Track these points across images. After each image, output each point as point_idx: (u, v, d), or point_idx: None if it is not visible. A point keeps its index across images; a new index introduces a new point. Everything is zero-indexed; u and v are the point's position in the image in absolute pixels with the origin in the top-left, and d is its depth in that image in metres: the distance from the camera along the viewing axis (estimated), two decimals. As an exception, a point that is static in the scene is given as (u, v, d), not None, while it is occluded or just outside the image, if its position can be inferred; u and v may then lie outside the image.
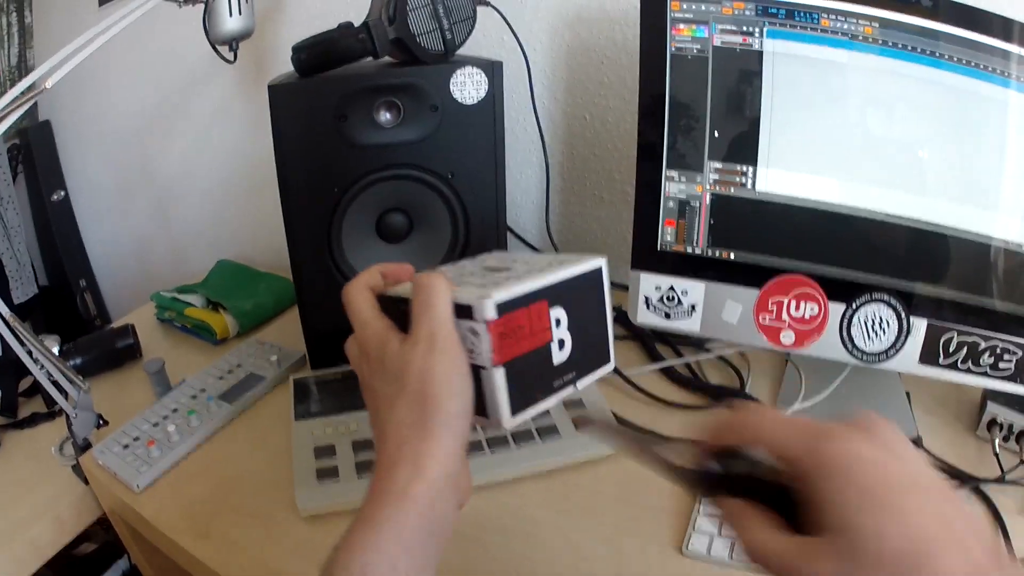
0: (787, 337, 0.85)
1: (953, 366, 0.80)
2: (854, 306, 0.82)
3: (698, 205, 0.85)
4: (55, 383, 0.91)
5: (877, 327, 0.82)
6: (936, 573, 0.33)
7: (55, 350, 1.08)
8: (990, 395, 0.87)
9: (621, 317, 0.96)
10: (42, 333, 1.06)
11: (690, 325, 0.87)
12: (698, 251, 0.86)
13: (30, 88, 0.75)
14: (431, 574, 0.44)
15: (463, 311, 0.46)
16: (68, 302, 1.52)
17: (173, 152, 1.46)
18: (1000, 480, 0.81)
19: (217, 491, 0.86)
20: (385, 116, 0.88)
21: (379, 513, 0.42)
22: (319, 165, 0.88)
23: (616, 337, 0.51)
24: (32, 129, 1.49)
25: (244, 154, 1.26)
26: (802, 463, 0.37)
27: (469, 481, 0.48)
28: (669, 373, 0.99)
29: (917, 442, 0.87)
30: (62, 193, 1.51)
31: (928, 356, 0.81)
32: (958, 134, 0.74)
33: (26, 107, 0.75)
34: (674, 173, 0.85)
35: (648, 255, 0.87)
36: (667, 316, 0.89)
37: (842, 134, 0.78)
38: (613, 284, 0.55)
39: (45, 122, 1.51)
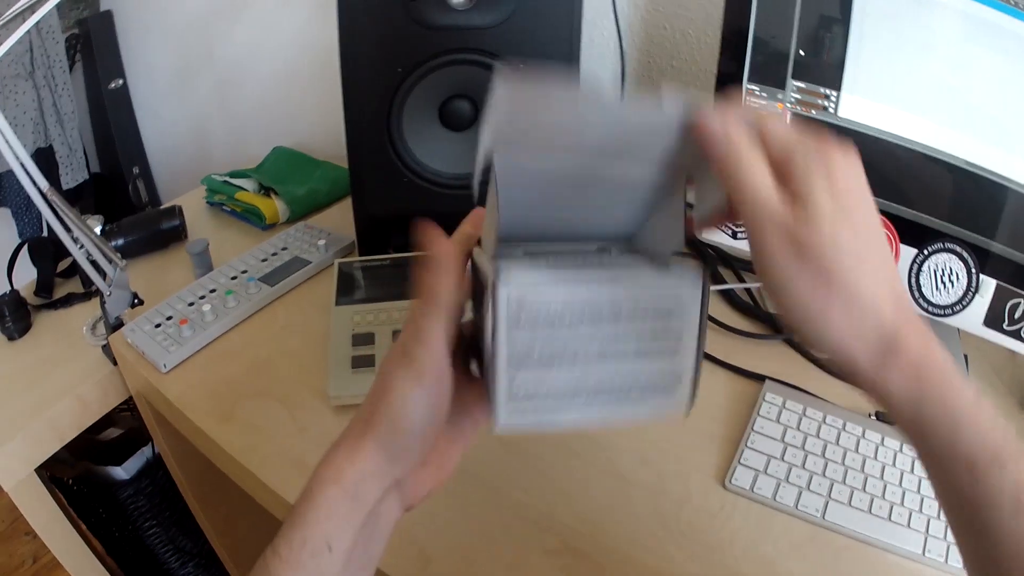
0: None
1: (1016, 334, 0.75)
2: (926, 252, 0.77)
3: None
4: (93, 262, 0.88)
5: (947, 278, 0.77)
6: (860, 284, 0.36)
7: (97, 229, 1.07)
8: (1048, 372, 0.81)
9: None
10: (100, 216, 1.05)
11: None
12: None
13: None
14: (368, 561, 0.44)
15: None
16: (120, 189, 1.51)
17: (238, 37, 1.43)
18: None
19: (247, 375, 0.83)
20: (459, -4, 0.83)
21: (318, 491, 0.42)
22: (384, 42, 0.83)
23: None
24: (92, 18, 1.47)
25: (310, 39, 1.23)
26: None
27: (418, 490, 0.47)
28: (729, 297, 0.93)
29: None
30: (120, 81, 1.49)
31: (993, 319, 0.76)
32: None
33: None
34: (755, 87, 0.81)
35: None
36: (734, 235, 0.85)
37: (932, 74, 0.72)
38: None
39: (107, 12, 1.49)
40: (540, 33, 0.84)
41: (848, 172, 0.39)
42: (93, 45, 1.47)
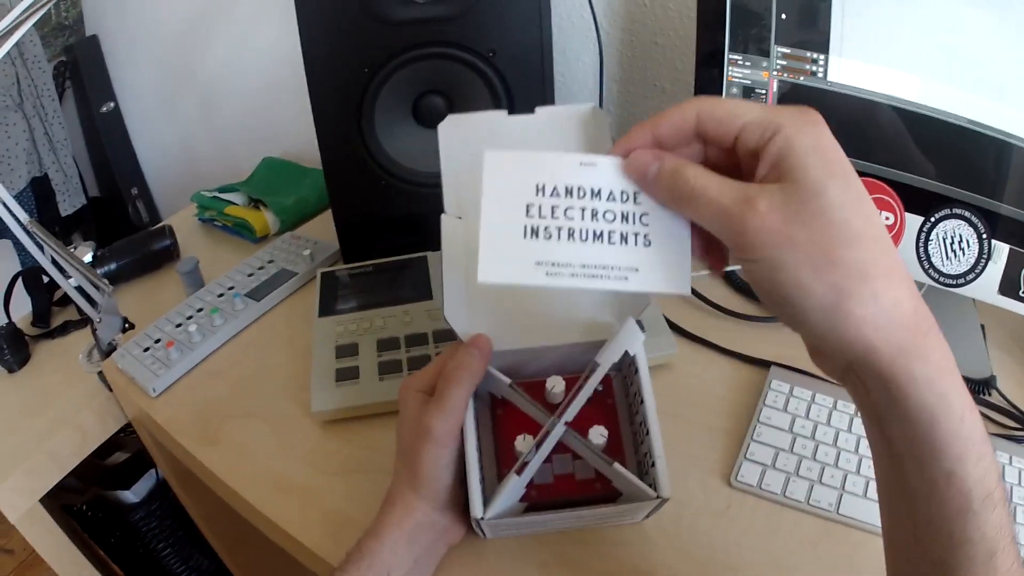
0: None
1: None
2: (933, 219, 0.73)
3: (765, 93, 0.77)
4: (82, 290, 0.87)
5: (957, 246, 0.73)
6: (877, 276, 0.35)
7: (88, 256, 1.06)
8: (1070, 341, 0.76)
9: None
10: (94, 242, 1.04)
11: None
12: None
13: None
14: None
15: None
16: (120, 211, 1.51)
17: (216, 53, 1.42)
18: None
19: (233, 394, 0.81)
20: (418, -13, 0.80)
21: (385, 533, 0.55)
22: (347, 44, 0.80)
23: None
24: (79, 44, 1.47)
25: (286, 49, 1.20)
26: (777, 120, 0.37)
27: (460, 530, 0.60)
28: (730, 279, 0.89)
29: (990, 382, 0.77)
30: (111, 104, 1.49)
31: (1008, 286, 0.71)
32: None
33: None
34: (738, 56, 0.77)
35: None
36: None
37: (924, 29, 0.67)
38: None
39: (92, 37, 1.49)
40: (508, 18, 0.80)
41: (828, 139, 0.38)
42: (82, 71, 1.46)
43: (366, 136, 0.84)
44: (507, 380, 0.57)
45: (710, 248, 0.42)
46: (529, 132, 0.52)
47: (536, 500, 0.57)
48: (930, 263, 0.74)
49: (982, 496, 0.36)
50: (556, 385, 0.59)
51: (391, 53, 0.81)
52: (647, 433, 0.56)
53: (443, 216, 0.54)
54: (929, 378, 0.36)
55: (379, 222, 0.89)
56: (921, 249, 0.74)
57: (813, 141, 0.36)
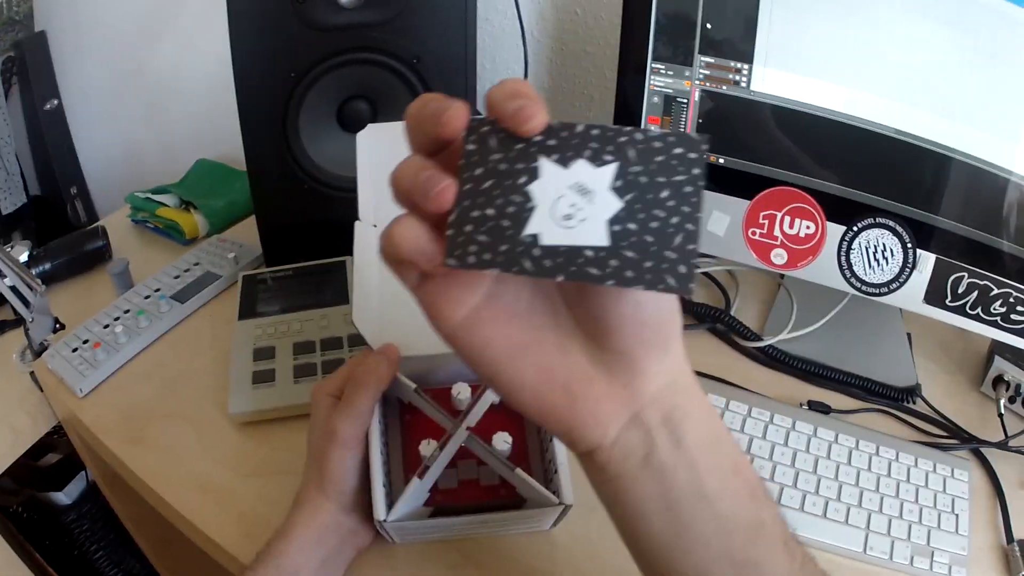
0: (778, 256, 0.78)
1: (960, 310, 0.72)
2: (855, 229, 0.74)
3: (686, 102, 0.78)
4: (14, 289, 0.87)
5: (880, 255, 0.74)
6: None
7: (24, 256, 1.05)
8: (998, 348, 0.78)
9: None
10: (32, 241, 1.04)
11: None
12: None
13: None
14: None
15: None
16: (60, 210, 1.49)
17: (163, 54, 1.41)
18: (1003, 445, 0.73)
19: (156, 395, 0.81)
20: (347, -6, 0.80)
21: (292, 533, 0.57)
22: (275, 48, 0.80)
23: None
24: (27, 40, 1.45)
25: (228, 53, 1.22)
26: None
27: (368, 534, 0.61)
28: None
29: (915, 390, 0.79)
30: (55, 102, 1.47)
31: (934, 296, 0.73)
32: (987, 57, 0.64)
33: None
34: (660, 65, 0.78)
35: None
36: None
37: (849, 39, 0.69)
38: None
39: (41, 32, 1.47)
40: (433, 27, 0.81)
41: None
42: (28, 67, 1.45)
43: (291, 140, 0.84)
44: (413, 385, 0.58)
45: None
46: None
47: (441, 504, 0.58)
48: (852, 272, 0.76)
49: (763, 485, 0.38)
50: (462, 391, 0.60)
51: (318, 58, 0.81)
52: (551, 440, 0.58)
53: (356, 223, 0.55)
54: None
55: (301, 226, 0.90)
56: (843, 258, 0.76)
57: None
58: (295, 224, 0.90)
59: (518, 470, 0.55)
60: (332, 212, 0.85)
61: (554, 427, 0.36)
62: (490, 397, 0.55)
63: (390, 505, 0.55)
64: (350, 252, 0.87)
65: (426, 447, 0.57)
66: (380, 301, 0.58)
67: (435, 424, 0.59)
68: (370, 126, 0.54)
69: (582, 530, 0.63)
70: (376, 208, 0.57)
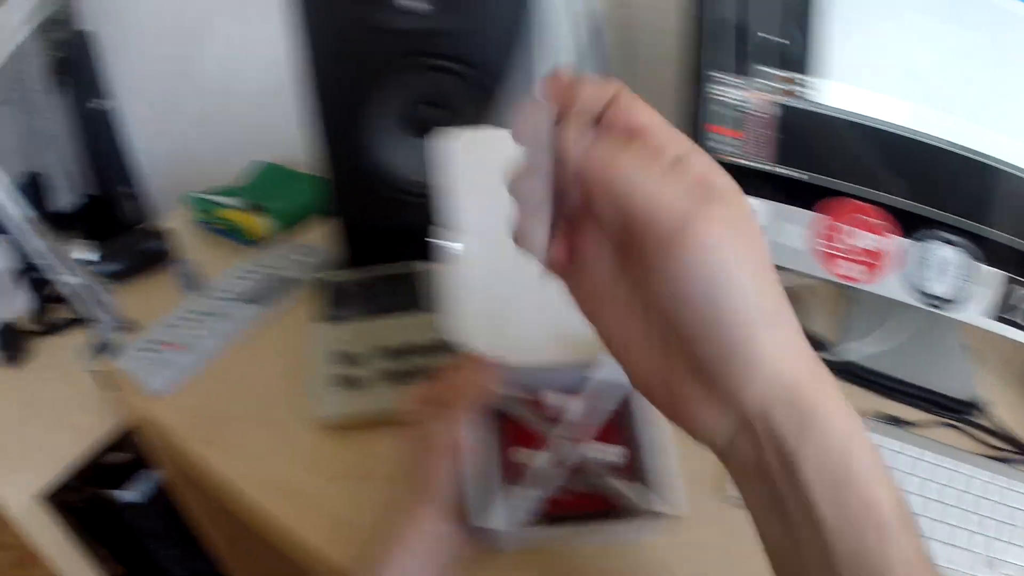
0: (844, 268, 0.78)
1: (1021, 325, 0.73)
2: (921, 242, 0.74)
3: (754, 113, 0.77)
4: (79, 287, 0.88)
5: (944, 270, 0.74)
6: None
7: (87, 255, 1.07)
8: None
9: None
10: (92, 240, 1.05)
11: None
12: (753, 164, 0.79)
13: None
14: None
15: None
16: (112, 209, 1.50)
17: (215, 54, 1.43)
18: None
19: (232, 397, 0.82)
20: (423, -1, 0.80)
21: (396, 540, 0.57)
22: (349, 52, 0.80)
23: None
24: (76, 41, 1.46)
25: (280, 54, 1.22)
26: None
27: (465, 541, 0.59)
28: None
29: (977, 404, 0.79)
30: (105, 101, 1.48)
31: (996, 310, 0.74)
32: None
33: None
34: (723, 75, 0.77)
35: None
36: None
37: (908, 53, 0.69)
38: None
39: (88, 32, 1.48)
40: (498, 35, 0.80)
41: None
42: (75, 66, 1.46)
43: (366, 144, 0.85)
44: (514, 395, 0.59)
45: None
46: None
47: (542, 513, 0.58)
48: (915, 284, 0.76)
49: (900, 520, 0.35)
50: (562, 401, 0.60)
51: (389, 63, 0.81)
52: (656, 451, 0.58)
53: (445, 231, 0.56)
54: (839, 400, 0.35)
55: (378, 231, 0.91)
56: (908, 270, 0.76)
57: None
58: (371, 228, 0.91)
59: (622, 480, 0.56)
60: (405, 216, 0.86)
61: (672, 421, 0.38)
62: (593, 408, 0.55)
63: (488, 513, 0.56)
64: (425, 257, 0.89)
65: (525, 456, 0.57)
66: (478, 310, 0.58)
67: (531, 432, 0.59)
68: (461, 133, 0.55)
69: (667, 541, 0.63)
70: (462, 216, 0.57)
